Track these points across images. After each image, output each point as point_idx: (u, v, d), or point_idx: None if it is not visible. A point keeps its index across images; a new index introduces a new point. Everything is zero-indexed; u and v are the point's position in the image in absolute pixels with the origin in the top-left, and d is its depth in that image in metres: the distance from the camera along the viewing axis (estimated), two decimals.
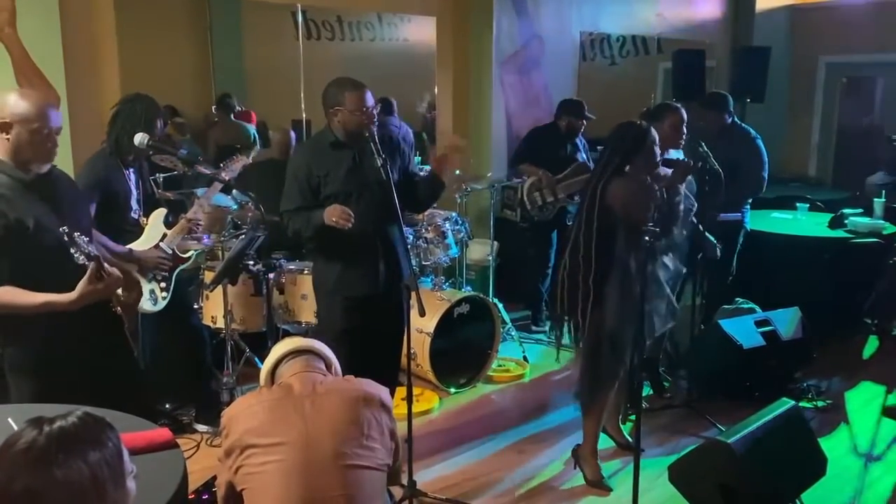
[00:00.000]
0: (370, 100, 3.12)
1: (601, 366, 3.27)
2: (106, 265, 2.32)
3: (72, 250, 2.26)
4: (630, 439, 3.61)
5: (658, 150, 3.26)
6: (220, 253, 4.23)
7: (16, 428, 1.33)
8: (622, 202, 3.14)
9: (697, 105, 5.02)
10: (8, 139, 2.42)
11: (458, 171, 5.08)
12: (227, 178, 3.52)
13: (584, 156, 5.32)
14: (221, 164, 3.70)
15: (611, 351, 3.22)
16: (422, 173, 3.58)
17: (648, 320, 3.22)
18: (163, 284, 3.41)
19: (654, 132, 3.26)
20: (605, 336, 3.21)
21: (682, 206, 3.43)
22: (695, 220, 3.81)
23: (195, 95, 7.00)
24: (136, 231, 3.38)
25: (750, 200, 4.88)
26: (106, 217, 3.23)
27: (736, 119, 4.91)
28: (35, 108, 2.42)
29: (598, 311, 3.19)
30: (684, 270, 3.68)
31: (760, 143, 4.77)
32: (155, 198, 3.61)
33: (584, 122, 5.31)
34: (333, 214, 3.06)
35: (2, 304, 2.37)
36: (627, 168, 3.21)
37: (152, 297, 3.37)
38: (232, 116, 6.68)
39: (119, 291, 2.53)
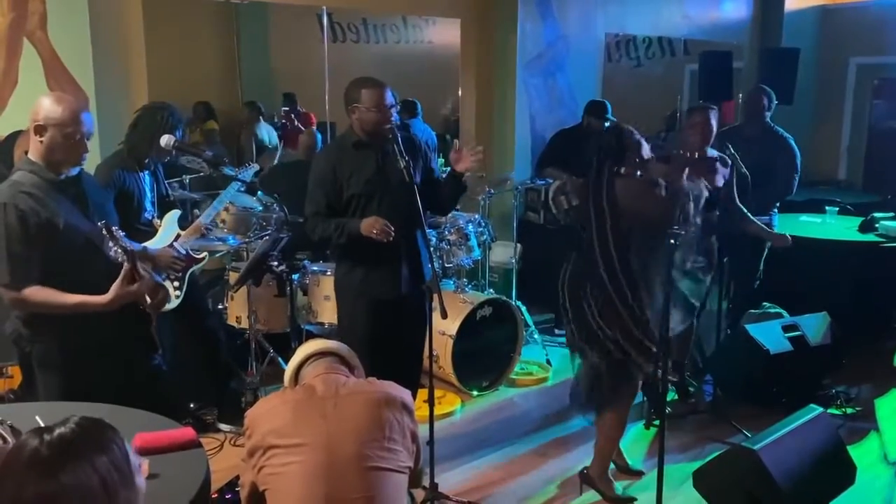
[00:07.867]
0: (389, 98, 3.10)
1: (612, 375, 3.16)
2: (139, 266, 2.36)
3: (109, 244, 2.31)
4: (629, 462, 3.53)
5: (643, 149, 3.15)
6: (245, 254, 4.27)
7: (43, 426, 1.35)
8: (632, 202, 3.08)
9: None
10: (42, 141, 2.47)
11: (482, 174, 5.06)
12: (243, 179, 3.60)
13: None
14: (237, 169, 3.77)
15: (618, 360, 3.11)
16: (443, 176, 3.56)
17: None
18: (176, 283, 3.44)
19: (632, 131, 3.17)
20: (613, 342, 3.10)
21: (690, 203, 3.28)
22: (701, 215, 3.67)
23: (222, 98, 7.09)
24: (150, 231, 3.43)
25: (778, 204, 4.82)
26: (119, 216, 3.29)
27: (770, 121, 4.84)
28: (70, 113, 2.46)
29: (605, 316, 3.10)
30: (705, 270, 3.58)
31: (794, 144, 4.70)
32: (169, 200, 3.67)
33: (606, 123, 5.26)
34: (374, 227, 3.02)
35: (38, 304, 2.43)
36: (622, 170, 3.14)
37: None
38: (261, 119, 6.77)
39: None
